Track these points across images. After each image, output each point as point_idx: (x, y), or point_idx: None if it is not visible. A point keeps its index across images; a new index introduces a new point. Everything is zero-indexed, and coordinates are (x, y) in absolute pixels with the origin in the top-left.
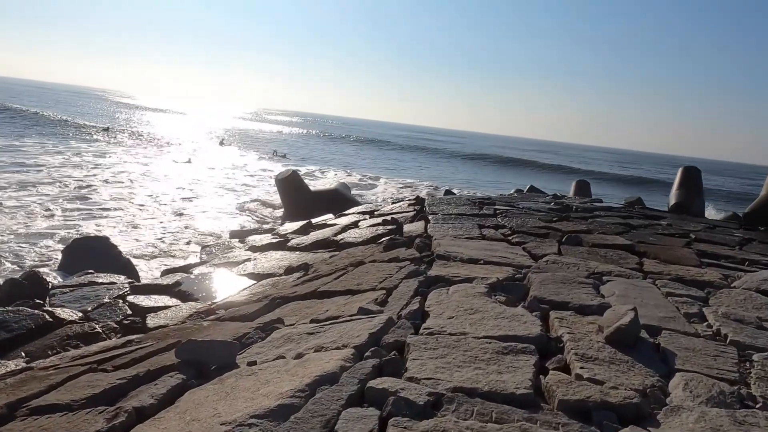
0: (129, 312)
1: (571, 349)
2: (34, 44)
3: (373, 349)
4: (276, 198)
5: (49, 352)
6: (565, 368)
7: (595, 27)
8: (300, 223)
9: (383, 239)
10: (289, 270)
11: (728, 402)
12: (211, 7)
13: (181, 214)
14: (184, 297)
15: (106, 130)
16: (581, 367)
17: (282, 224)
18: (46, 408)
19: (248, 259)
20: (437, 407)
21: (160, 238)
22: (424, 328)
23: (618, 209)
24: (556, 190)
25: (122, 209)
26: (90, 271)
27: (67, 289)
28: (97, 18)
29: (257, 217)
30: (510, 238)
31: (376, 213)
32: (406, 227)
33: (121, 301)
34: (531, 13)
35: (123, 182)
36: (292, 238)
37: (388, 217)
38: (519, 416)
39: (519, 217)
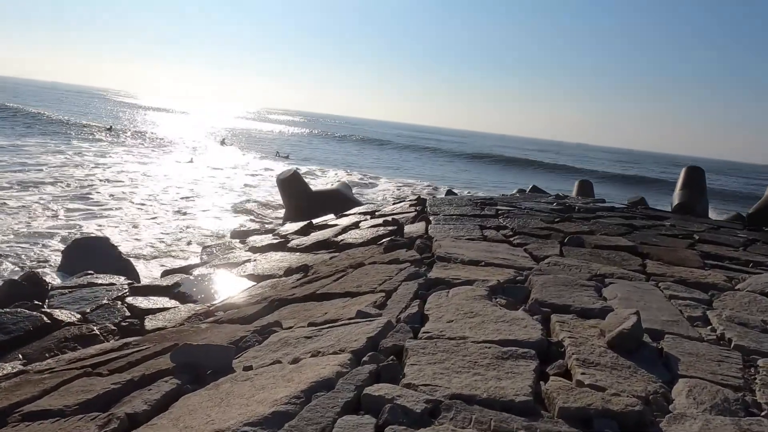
0: (127, 314)
1: (573, 354)
2: (37, 44)
3: (370, 353)
4: (277, 198)
5: (47, 355)
6: (566, 374)
7: (597, 26)
8: (301, 224)
9: (384, 240)
10: (289, 271)
11: (733, 409)
12: (212, 7)
13: (182, 214)
14: (183, 298)
15: (109, 129)
16: (582, 373)
17: (283, 224)
18: (38, 414)
19: (248, 260)
20: (435, 415)
21: (161, 239)
22: (423, 332)
23: (621, 209)
24: (559, 190)
25: (123, 209)
26: (89, 271)
27: (66, 290)
28: (98, 18)
29: (258, 217)
30: (511, 239)
31: (377, 213)
32: (407, 228)
33: (119, 302)
34: (533, 11)
35: (124, 182)
36: (292, 239)
37: (389, 218)
38: (518, 424)
39: (521, 217)
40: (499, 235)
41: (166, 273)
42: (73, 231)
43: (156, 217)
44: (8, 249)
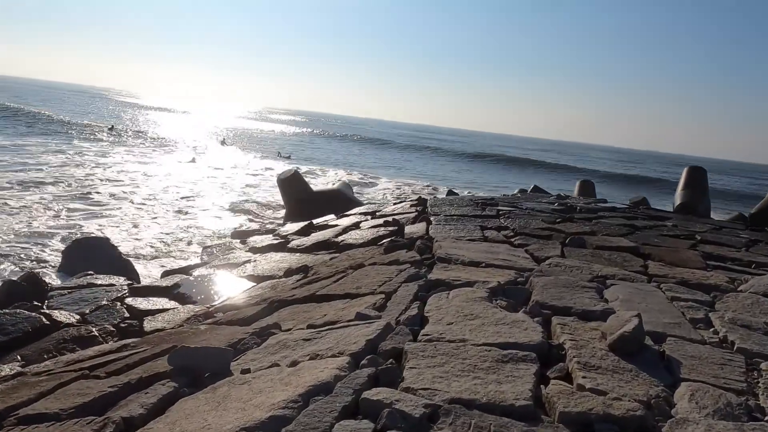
0: (126, 315)
1: (573, 357)
2: (39, 44)
3: (369, 356)
4: (278, 198)
5: (45, 356)
6: (567, 377)
7: (599, 25)
8: (301, 224)
9: (384, 241)
10: (289, 272)
11: (736, 414)
12: (213, 7)
13: (183, 214)
14: (183, 299)
15: (111, 129)
16: (583, 377)
17: (283, 225)
18: (34, 417)
19: (248, 261)
20: (433, 420)
21: (162, 239)
22: (423, 335)
23: (622, 210)
24: (560, 190)
25: (124, 209)
26: (89, 272)
27: (66, 291)
28: (100, 18)
29: (259, 217)
30: (512, 239)
31: (377, 214)
32: (408, 228)
33: (119, 303)
34: (535, 11)
35: (125, 182)
36: (292, 239)
37: (390, 219)
38: (518, 429)
39: (522, 218)
40: (500, 235)
41: (166, 273)
42: (73, 231)
43: (156, 217)
44: (9, 249)
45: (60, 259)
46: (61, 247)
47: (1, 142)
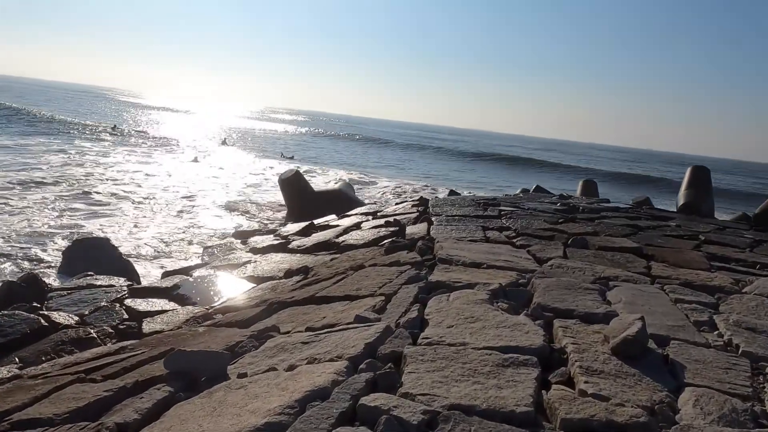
0: (125, 316)
1: (576, 361)
2: (42, 44)
3: (368, 361)
4: (279, 198)
5: (43, 358)
6: (569, 382)
7: (602, 24)
8: (302, 224)
9: (385, 241)
10: (289, 273)
11: (741, 420)
12: (214, 6)
13: (184, 214)
14: (182, 300)
15: (113, 128)
16: (585, 382)
17: (285, 225)
18: (27, 422)
19: (248, 262)
20: (432, 427)
21: (162, 239)
22: (423, 338)
23: (625, 210)
24: (563, 190)
25: (125, 209)
26: (89, 273)
27: (65, 292)
28: (102, 18)
29: (260, 217)
30: (514, 240)
31: (379, 214)
32: (409, 229)
33: (118, 304)
34: (538, 10)
35: (126, 182)
36: (293, 240)
37: (391, 219)
38: None
39: (524, 218)
40: (502, 236)
41: (166, 274)
42: (74, 231)
43: (157, 217)
44: (9, 249)
45: (60, 260)
46: (62, 247)
47: (3, 141)
